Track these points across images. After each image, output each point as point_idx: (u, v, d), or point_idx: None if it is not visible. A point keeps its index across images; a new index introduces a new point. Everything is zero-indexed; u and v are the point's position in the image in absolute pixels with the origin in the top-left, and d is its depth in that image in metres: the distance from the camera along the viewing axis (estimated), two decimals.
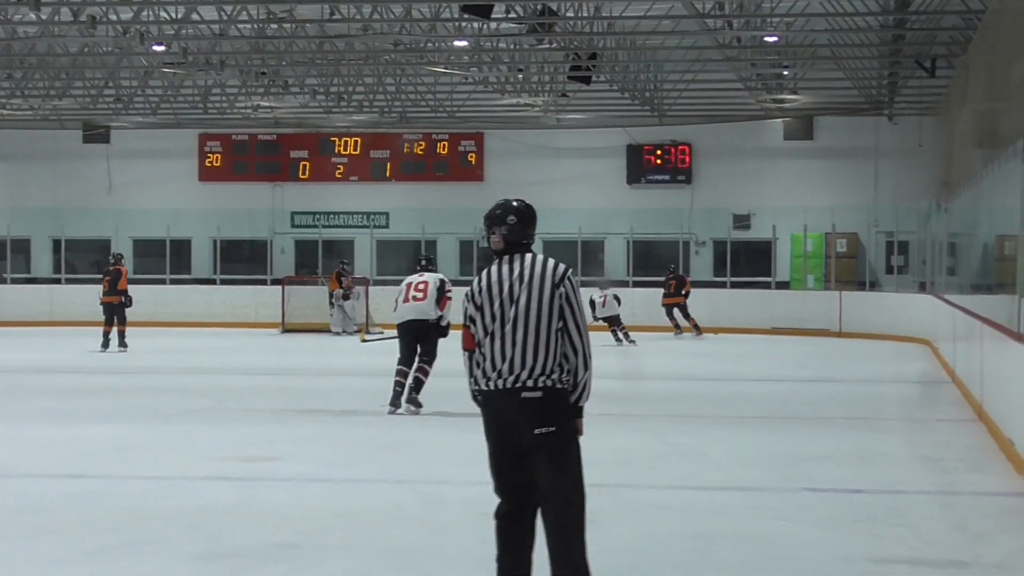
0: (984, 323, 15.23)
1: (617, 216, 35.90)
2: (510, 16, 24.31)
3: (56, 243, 37.92)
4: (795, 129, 35.83)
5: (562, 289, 6.78)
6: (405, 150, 37.64)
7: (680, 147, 36.27)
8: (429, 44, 27.23)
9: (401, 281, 16.11)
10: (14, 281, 37.14)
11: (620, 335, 27.38)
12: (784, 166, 35.77)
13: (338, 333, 31.17)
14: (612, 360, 24.11)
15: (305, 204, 38.02)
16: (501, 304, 6.79)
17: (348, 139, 37.87)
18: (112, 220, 37.46)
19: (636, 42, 28.03)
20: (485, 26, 25.15)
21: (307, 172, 38.00)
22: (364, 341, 28.02)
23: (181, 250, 37.83)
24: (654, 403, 17.36)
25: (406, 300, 15.61)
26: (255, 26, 25.88)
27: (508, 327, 6.74)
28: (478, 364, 6.82)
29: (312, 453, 12.92)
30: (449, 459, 12.42)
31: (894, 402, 17.88)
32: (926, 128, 32.86)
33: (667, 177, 36.36)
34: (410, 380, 15.59)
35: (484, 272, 6.93)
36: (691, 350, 25.83)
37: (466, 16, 22.70)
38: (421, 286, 15.59)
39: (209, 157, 38.36)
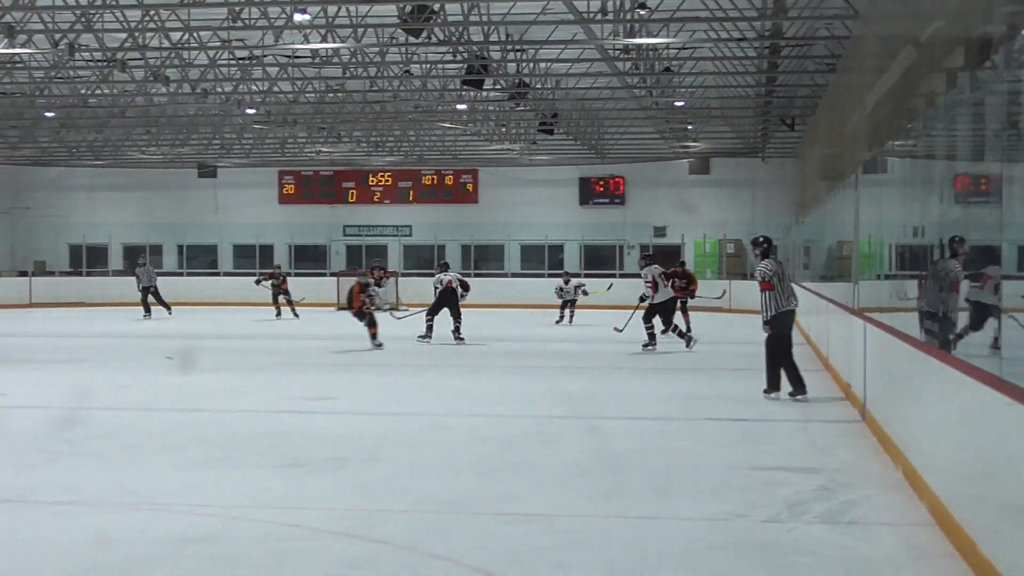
0: (829, 302, 15.27)
1: (572, 228, 35.82)
2: (496, 87, 24.30)
3: (180, 247, 37.74)
4: (697, 166, 35.78)
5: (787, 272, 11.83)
6: (423, 181, 37.56)
7: (616, 179, 36.21)
8: (439, 107, 27.15)
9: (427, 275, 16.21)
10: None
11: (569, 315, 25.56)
12: (689, 192, 35.70)
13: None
14: (569, 329, 24.10)
15: (353, 219, 37.88)
16: (782, 274, 11.57)
17: (382, 174, 37.78)
18: (218, 232, 37.33)
19: (585, 105, 28.01)
20: (479, 94, 25.11)
21: (354, 197, 37.87)
22: (397, 318, 27.62)
23: (266, 253, 37.69)
24: (596, 358, 17.35)
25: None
26: (317, 95, 25.86)
27: (785, 284, 11.55)
28: (773, 298, 11.46)
29: (357, 393, 12.92)
30: (452, 399, 12.44)
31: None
32: (788, 166, 32.90)
33: (607, 200, 36.29)
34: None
35: (770, 260, 11.65)
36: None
37: (465, 87, 22.67)
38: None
39: (286, 187, 38.20)
